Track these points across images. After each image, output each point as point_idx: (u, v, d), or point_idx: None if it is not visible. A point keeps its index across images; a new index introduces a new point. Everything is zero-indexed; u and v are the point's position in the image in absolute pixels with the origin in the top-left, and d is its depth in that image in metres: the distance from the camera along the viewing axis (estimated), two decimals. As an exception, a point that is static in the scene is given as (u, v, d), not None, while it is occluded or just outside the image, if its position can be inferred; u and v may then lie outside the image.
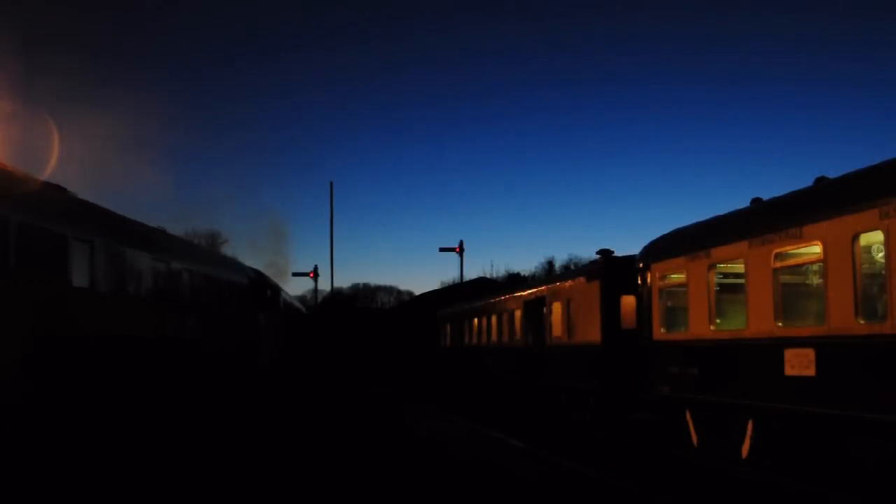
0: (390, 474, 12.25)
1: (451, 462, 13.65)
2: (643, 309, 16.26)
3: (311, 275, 50.62)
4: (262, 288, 26.27)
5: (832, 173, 11.83)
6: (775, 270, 11.75)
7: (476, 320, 33.39)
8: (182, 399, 16.97)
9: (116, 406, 13.68)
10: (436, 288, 69.81)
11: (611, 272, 19.90)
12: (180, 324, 17.09)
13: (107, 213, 14.61)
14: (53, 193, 12.62)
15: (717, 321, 13.54)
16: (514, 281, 58.59)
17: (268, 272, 33.58)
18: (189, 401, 17.41)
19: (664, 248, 15.58)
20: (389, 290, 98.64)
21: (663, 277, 15.45)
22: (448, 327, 39.72)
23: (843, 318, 10.17)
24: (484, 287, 48.41)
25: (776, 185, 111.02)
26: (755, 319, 12.15)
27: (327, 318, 53.66)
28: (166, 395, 16.06)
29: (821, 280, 10.82)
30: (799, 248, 11.36)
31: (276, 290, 30.38)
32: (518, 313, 26.97)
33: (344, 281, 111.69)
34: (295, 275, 55.86)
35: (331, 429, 18.58)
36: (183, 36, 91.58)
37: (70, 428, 12.01)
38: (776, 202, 12.73)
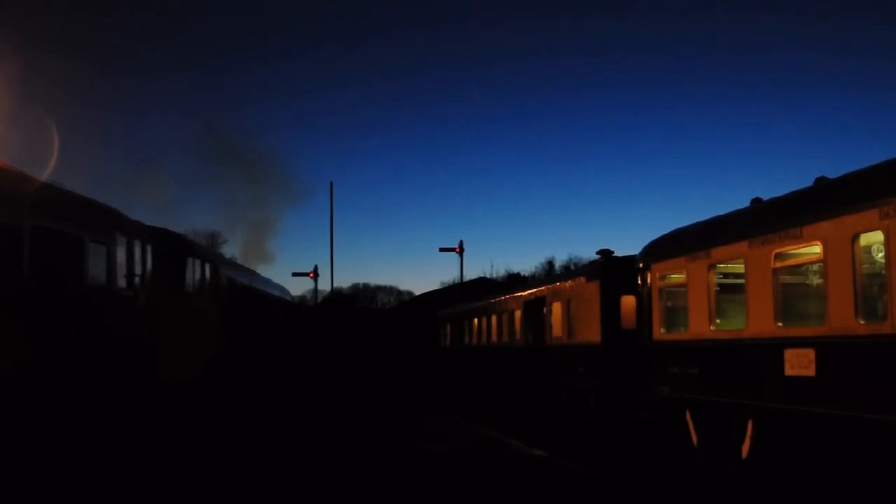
0: (387, 473, 12.26)
1: (450, 461, 13.64)
2: (643, 309, 16.26)
3: (311, 275, 50.66)
4: (175, 259, 17.45)
5: (832, 173, 11.84)
6: (775, 270, 11.75)
7: (476, 320, 33.40)
8: None
9: None
10: (436, 288, 69.96)
11: (611, 272, 19.92)
12: None
13: None
14: None
15: (717, 321, 13.54)
16: (514, 281, 58.58)
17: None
18: None
19: (664, 248, 15.59)
20: (389, 290, 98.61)
21: (663, 277, 15.46)
22: (448, 327, 39.73)
23: (843, 319, 10.17)
24: (484, 287, 48.43)
25: (776, 185, 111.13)
26: (755, 319, 12.16)
27: (324, 317, 53.57)
28: None
29: (821, 280, 10.82)
30: (799, 248, 11.36)
31: (211, 261, 20.54)
32: (518, 313, 26.98)
33: (344, 281, 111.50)
34: (295, 275, 55.70)
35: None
36: (183, 37, 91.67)
37: None
38: (776, 202, 12.73)
